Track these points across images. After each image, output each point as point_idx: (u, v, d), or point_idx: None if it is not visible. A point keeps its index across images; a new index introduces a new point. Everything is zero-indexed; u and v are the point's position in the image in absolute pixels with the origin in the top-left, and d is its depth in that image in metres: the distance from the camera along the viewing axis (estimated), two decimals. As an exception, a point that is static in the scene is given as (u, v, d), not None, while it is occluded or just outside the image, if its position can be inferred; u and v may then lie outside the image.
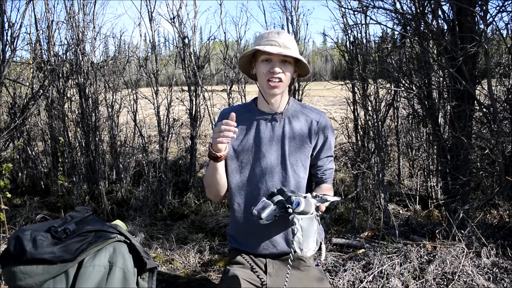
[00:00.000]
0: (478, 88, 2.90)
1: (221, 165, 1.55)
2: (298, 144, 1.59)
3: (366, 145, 3.88)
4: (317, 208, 1.34)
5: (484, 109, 2.76)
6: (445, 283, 2.31)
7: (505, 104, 2.80)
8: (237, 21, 8.09)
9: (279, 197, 1.34)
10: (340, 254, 2.79)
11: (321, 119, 1.61)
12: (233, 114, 1.42)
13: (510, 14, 2.78)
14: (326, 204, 1.43)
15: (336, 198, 1.45)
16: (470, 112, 2.76)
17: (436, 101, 3.30)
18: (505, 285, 2.27)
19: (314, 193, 1.40)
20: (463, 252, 2.48)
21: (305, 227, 1.28)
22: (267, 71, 1.51)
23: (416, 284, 2.33)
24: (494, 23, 2.75)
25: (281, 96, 1.59)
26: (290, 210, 1.28)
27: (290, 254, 1.34)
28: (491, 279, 2.32)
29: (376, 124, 3.43)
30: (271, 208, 1.32)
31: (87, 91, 4.05)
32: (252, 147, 1.60)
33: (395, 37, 3.98)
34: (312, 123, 1.60)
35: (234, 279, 1.51)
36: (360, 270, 2.46)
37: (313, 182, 1.68)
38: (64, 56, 4.18)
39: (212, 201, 3.90)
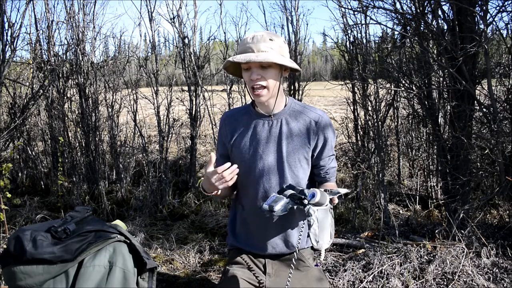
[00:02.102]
0: (478, 88, 2.90)
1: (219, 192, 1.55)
2: (296, 144, 1.57)
3: (366, 145, 3.88)
4: (330, 201, 1.32)
5: (484, 109, 2.76)
6: (445, 283, 2.32)
7: (505, 104, 2.80)
8: (237, 21, 8.14)
9: (290, 191, 1.32)
10: (340, 254, 2.79)
11: (320, 118, 1.58)
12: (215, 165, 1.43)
13: (510, 14, 2.78)
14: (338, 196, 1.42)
15: (347, 190, 1.43)
16: (470, 112, 2.76)
17: (436, 101, 3.29)
18: (505, 285, 2.27)
19: (322, 189, 1.37)
20: (463, 252, 2.48)
21: (320, 218, 1.25)
22: (248, 80, 1.49)
23: (416, 284, 2.33)
24: (494, 23, 2.75)
25: (274, 99, 1.56)
26: (306, 201, 1.25)
27: (295, 253, 1.34)
28: (491, 279, 2.32)
29: (376, 124, 3.43)
30: (284, 201, 1.29)
31: (87, 91, 4.05)
32: (249, 149, 1.59)
33: (395, 37, 3.98)
34: (311, 123, 1.58)
35: (233, 279, 1.51)
36: (360, 270, 2.46)
37: (317, 181, 1.67)
38: (64, 56, 4.19)
39: (212, 201, 3.91)
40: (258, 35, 1.47)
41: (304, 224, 1.28)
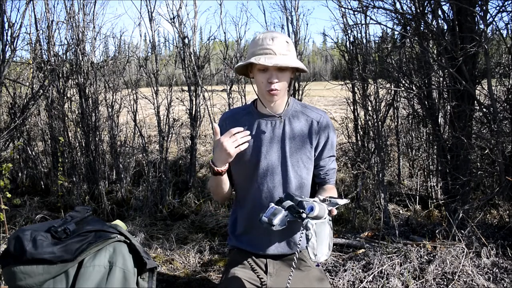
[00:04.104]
0: (478, 88, 2.90)
1: (224, 176, 1.56)
2: (299, 144, 1.58)
3: (366, 145, 3.88)
4: (329, 212, 1.31)
5: (484, 109, 2.76)
6: (445, 283, 2.32)
7: (505, 104, 2.80)
8: (237, 21, 8.13)
9: (289, 202, 1.30)
10: (340, 254, 2.79)
11: (322, 118, 1.59)
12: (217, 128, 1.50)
13: (510, 14, 2.78)
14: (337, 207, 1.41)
15: (346, 201, 1.42)
16: (470, 112, 2.76)
17: (436, 101, 3.30)
18: (505, 285, 2.27)
19: (322, 197, 1.37)
20: (463, 252, 2.48)
21: (319, 232, 1.24)
22: (265, 81, 1.49)
23: (416, 284, 2.33)
24: (494, 23, 2.75)
25: (282, 99, 1.57)
26: (304, 215, 1.24)
27: (294, 256, 1.33)
28: (491, 279, 2.33)
29: (376, 124, 3.43)
30: (282, 213, 1.27)
31: (87, 91, 4.05)
32: (252, 149, 1.59)
33: (395, 37, 3.98)
34: (312, 123, 1.58)
35: (234, 279, 1.51)
36: (360, 270, 2.46)
37: (316, 182, 1.67)
38: (64, 56, 4.18)
39: (212, 201, 3.91)
40: (277, 37, 1.48)
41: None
